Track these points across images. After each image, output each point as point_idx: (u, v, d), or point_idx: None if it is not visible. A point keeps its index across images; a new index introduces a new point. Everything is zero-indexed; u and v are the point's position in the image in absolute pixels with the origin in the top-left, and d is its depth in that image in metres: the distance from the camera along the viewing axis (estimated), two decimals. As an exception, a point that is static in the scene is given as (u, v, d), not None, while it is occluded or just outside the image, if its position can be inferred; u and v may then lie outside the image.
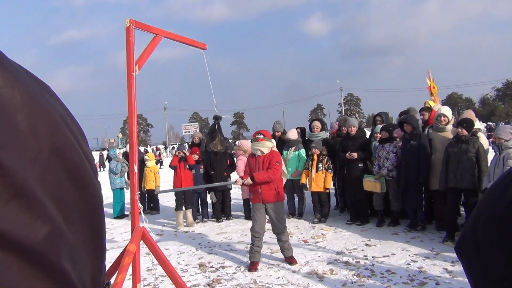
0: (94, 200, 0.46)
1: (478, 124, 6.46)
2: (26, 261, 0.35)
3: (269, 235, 5.75)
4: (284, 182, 5.46)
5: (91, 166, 0.47)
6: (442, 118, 6.16)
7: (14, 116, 0.37)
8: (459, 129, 5.50)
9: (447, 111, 6.28)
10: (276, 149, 5.45)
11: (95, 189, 0.47)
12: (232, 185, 8.14)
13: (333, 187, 8.10)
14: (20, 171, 0.35)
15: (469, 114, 6.39)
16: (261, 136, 5.16)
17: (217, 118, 4.20)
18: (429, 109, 7.27)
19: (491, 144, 7.28)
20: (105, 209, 0.64)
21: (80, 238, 0.42)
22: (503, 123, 22.60)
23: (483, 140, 5.86)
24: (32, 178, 0.37)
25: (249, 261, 5.11)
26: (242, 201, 8.15)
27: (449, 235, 5.57)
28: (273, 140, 7.35)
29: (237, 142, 7.91)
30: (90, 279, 0.44)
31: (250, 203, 5.21)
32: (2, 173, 0.34)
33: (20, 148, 0.36)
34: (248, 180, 5.01)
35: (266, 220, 5.22)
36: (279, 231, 5.13)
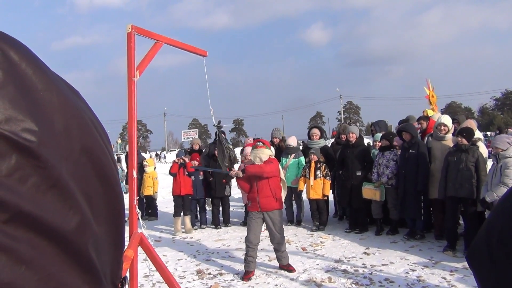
0: (117, 198, 0.50)
1: (478, 134, 6.45)
2: (58, 247, 0.39)
3: (267, 242, 5.73)
4: (285, 193, 5.40)
5: (115, 167, 0.51)
6: (442, 127, 6.17)
7: (51, 117, 0.41)
8: (459, 138, 5.51)
9: (447, 120, 6.29)
10: (274, 158, 5.44)
11: (118, 187, 0.50)
12: (231, 191, 8.12)
13: (332, 194, 8.10)
14: (57, 166, 0.40)
15: (469, 123, 6.40)
16: (261, 143, 5.18)
17: (218, 127, 3.77)
18: (427, 118, 7.30)
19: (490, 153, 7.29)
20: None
21: (103, 231, 0.46)
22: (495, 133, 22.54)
23: (483, 149, 5.85)
24: (65, 173, 0.41)
25: (244, 271, 5.08)
26: (241, 208, 8.12)
27: (449, 244, 5.56)
28: (272, 149, 7.33)
29: (244, 152, 7.72)
30: (110, 271, 0.48)
31: (248, 211, 5.18)
32: (42, 165, 0.38)
33: (56, 146, 0.41)
34: (239, 172, 5.03)
35: (262, 230, 5.20)
36: (278, 241, 5.07)
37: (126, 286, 0.55)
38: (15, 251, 0.35)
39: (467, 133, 5.54)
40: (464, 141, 5.44)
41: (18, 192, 0.36)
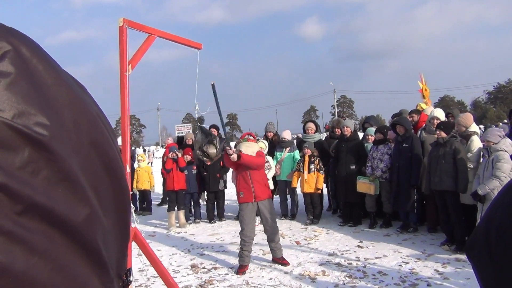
0: (123, 191, 0.51)
1: (475, 127, 6.42)
2: (69, 238, 0.40)
3: (261, 236, 5.75)
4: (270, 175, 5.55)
5: (121, 160, 0.52)
6: (435, 121, 6.19)
7: (62, 111, 0.42)
8: (438, 132, 5.53)
9: (440, 113, 6.31)
10: (262, 152, 5.48)
11: (124, 181, 0.51)
12: (223, 186, 8.10)
13: (326, 188, 8.13)
14: (67, 159, 0.41)
15: (467, 116, 6.38)
16: (251, 137, 5.34)
17: (200, 121, 3.84)
18: (419, 111, 7.32)
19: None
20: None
21: (110, 224, 0.47)
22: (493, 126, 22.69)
23: (477, 143, 5.83)
24: (75, 167, 0.42)
25: (238, 265, 5.09)
26: (235, 202, 8.12)
27: (448, 238, 5.54)
28: (265, 142, 7.34)
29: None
30: (116, 262, 0.49)
31: (239, 204, 5.15)
32: (54, 159, 0.39)
33: (66, 140, 0.42)
34: (234, 156, 4.84)
35: (256, 224, 5.20)
36: (272, 231, 5.09)
37: (131, 277, 0.56)
38: (29, 242, 0.36)
39: (445, 126, 5.56)
40: (443, 134, 5.46)
41: (31, 184, 0.37)
